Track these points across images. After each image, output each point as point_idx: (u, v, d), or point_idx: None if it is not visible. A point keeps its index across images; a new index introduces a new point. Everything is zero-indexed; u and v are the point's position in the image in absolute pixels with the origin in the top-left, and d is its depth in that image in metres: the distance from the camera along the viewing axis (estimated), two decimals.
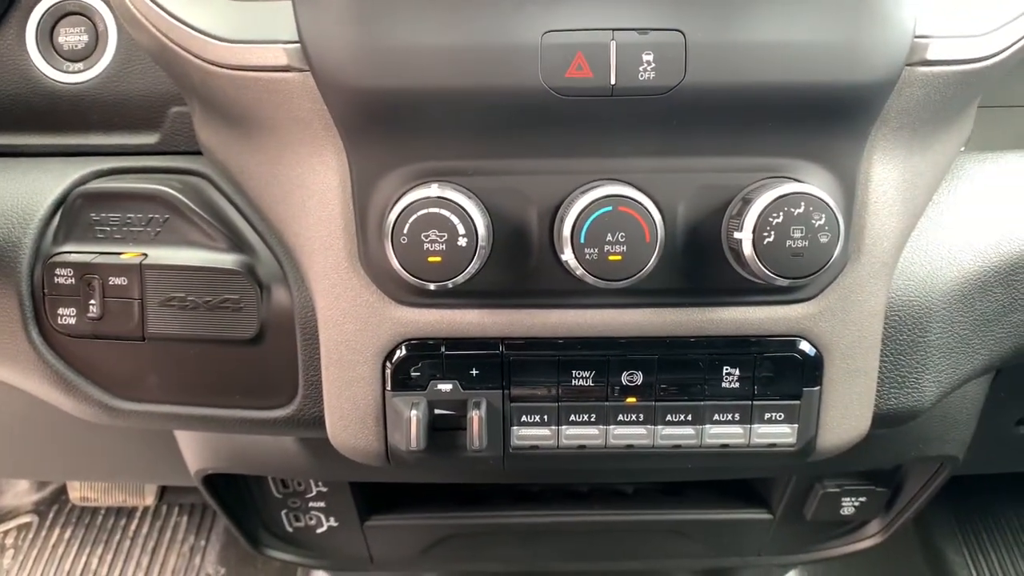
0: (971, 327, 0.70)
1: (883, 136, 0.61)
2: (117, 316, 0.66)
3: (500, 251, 0.60)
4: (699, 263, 0.61)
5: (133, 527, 1.56)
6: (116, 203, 0.67)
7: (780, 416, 0.65)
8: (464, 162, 0.59)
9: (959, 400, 0.88)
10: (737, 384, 0.64)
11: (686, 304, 0.63)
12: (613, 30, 0.55)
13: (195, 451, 0.96)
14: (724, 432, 0.65)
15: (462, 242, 0.56)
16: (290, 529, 1.10)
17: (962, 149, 0.70)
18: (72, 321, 0.67)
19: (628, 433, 0.65)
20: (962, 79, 0.59)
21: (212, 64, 0.58)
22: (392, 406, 0.64)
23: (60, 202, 0.68)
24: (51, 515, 1.58)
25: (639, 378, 0.64)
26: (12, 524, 1.57)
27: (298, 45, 0.57)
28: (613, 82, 0.55)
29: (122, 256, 0.66)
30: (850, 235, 0.62)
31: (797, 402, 0.65)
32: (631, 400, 0.65)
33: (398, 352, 0.63)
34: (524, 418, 0.65)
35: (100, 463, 1.23)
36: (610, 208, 0.56)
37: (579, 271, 0.58)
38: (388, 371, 0.64)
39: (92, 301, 0.66)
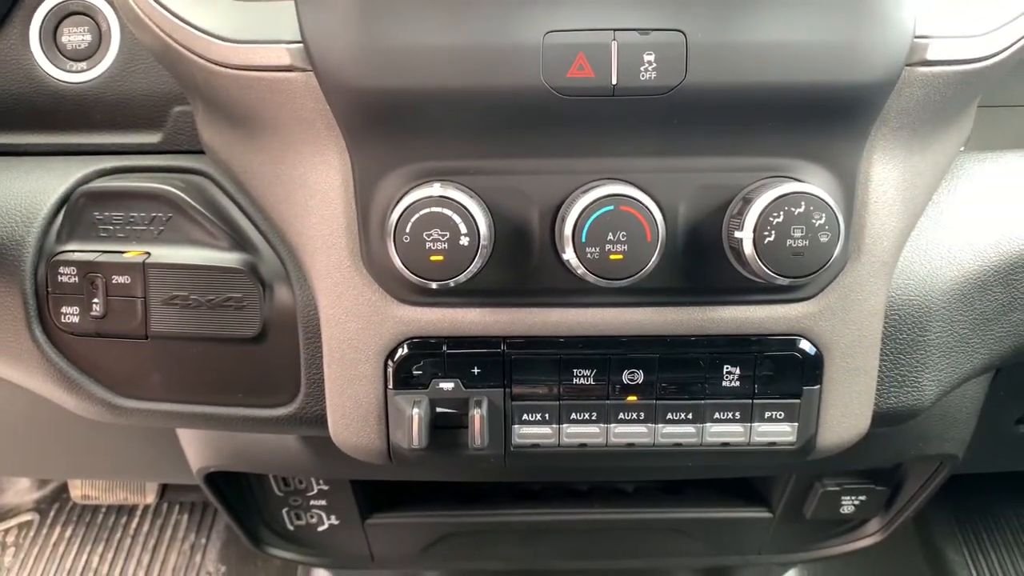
0: (971, 326, 0.70)
1: (883, 136, 0.61)
2: (120, 314, 0.66)
3: (502, 250, 0.60)
4: (700, 262, 0.61)
5: (134, 525, 1.56)
6: (119, 202, 0.67)
7: (780, 415, 0.65)
8: (466, 162, 0.59)
9: (959, 399, 0.88)
10: (737, 383, 0.65)
11: (687, 303, 0.63)
12: (614, 30, 0.55)
13: (197, 449, 0.96)
14: (724, 431, 0.66)
15: (464, 241, 0.56)
16: (291, 527, 1.10)
17: (962, 149, 0.71)
18: (75, 319, 0.67)
19: (629, 431, 0.66)
20: (962, 79, 0.60)
21: (215, 64, 0.59)
22: (394, 404, 0.64)
23: (63, 201, 0.68)
24: (52, 513, 1.58)
25: (640, 377, 0.64)
26: (13, 522, 1.58)
27: (301, 45, 0.57)
28: (614, 82, 0.55)
29: (125, 255, 0.66)
30: (850, 234, 0.62)
31: (797, 401, 0.65)
32: (632, 399, 0.65)
33: (400, 351, 0.64)
34: (525, 416, 0.65)
35: (101, 461, 1.23)
36: (611, 207, 0.56)
37: (580, 270, 0.58)
38: (390, 369, 0.64)
39: (95, 299, 0.66)
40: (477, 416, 0.63)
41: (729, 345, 0.64)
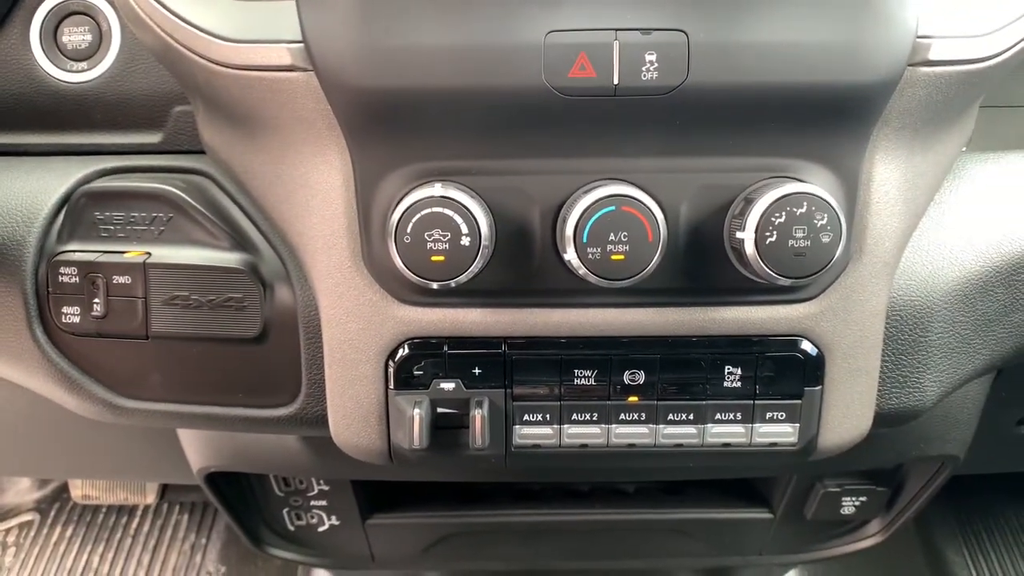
0: (972, 327, 0.70)
1: (885, 136, 0.61)
2: (121, 315, 0.66)
3: (503, 250, 0.60)
4: (701, 263, 0.61)
5: (134, 525, 1.56)
6: (120, 202, 0.67)
7: (782, 415, 0.65)
8: (467, 162, 0.59)
9: (960, 400, 0.88)
10: (739, 383, 0.64)
11: (688, 304, 0.63)
12: (616, 30, 0.55)
13: (198, 449, 0.96)
14: (726, 431, 0.66)
15: (465, 241, 0.56)
16: (292, 527, 1.10)
17: (964, 149, 0.70)
18: (76, 320, 0.67)
19: (630, 432, 0.66)
20: (964, 79, 0.59)
21: (216, 64, 0.59)
22: (395, 405, 0.64)
23: (64, 201, 0.68)
24: (52, 513, 1.58)
25: (641, 377, 0.64)
26: (14, 522, 1.58)
27: (302, 45, 0.57)
28: (616, 82, 0.55)
29: (126, 255, 0.66)
30: (852, 235, 0.62)
31: (798, 401, 0.65)
32: (633, 399, 0.65)
33: (401, 351, 0.63)
34: (526, 417, 0.65)
35: (102, 461, 1.23)
36: (613, 208, 0.56)
37: (581, 270, 0.58)
38: (391, 370, 0.64)
39: (96, 300, 0.66)
40: (478, 416, 0.63)
41: (730, 346, 0.64)
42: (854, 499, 1.03)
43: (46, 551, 1.52)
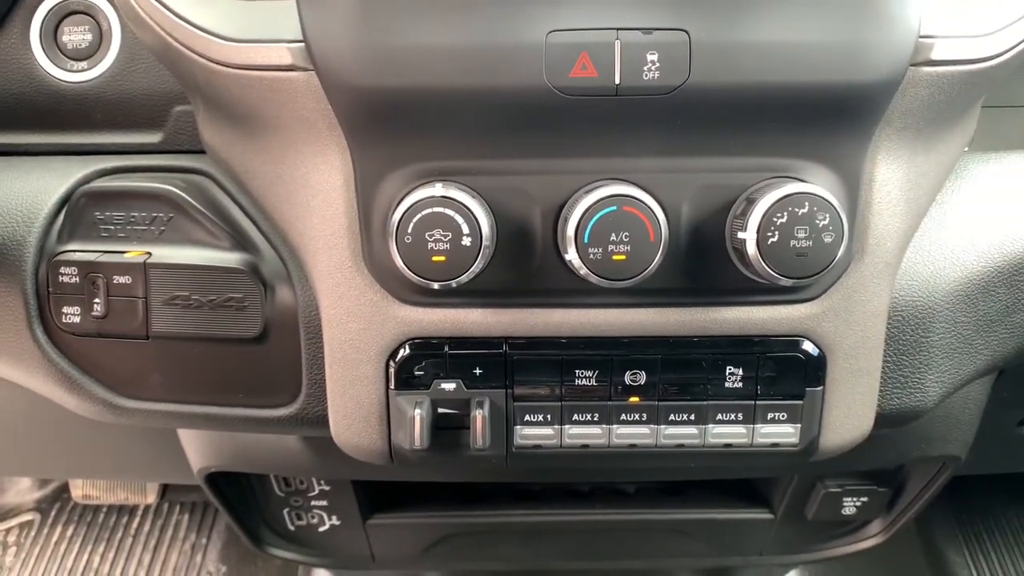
0: (974, 327, 0.70)
1: (887, 136, 0.61)
2: (121, 315, 0.66)
3: (504, 250, 0.60)
4: (703, 263, 0.61)
5: (135, 525, 1.56)
6: (120, 202, 0.67)
7: (783, 416, 0.65)
8: (468, 162, 0.59)
9: (962, 400, 0.88)
10: (740, 384, 0.64)
11: (689, 304, 0.63)
12: (617, 29, 0.55)
13: (198, 449, 0.96)
14: (727, 432, 0.65)
15: (466, 241, 0.56)
16: (292, 527, 1.10)
17: (966, 149, 0.70)
18: (76, 320, 0.67)
19: (631, 432, 0.65)
20: (967, 79, 0.59)
21: (216, 63, 0.58)
22: (395, 405, 0.64)
23: (64, 201, 0.68)
24: (53, 513, 1.59)
25: (642, 378, 0.64)
26: (14, 522, 1.58)
27: (302, 44, 0.57)
28: (617, 82, 0.55)
29: (126, 255, 0.66)
30: (854, 235, 0.62)
31: (800, 402, 0.65)
32: (634, 400, 0.65)
33: (402, 351, 0.63)
34: (527, 417, 0.65)
35: (102, 461, 1.23)
36: (614, 208, 0.56)
37: (583, 271, 0.58)
38: (392, 370, 0.64)
39: (96, 300, 0.66)
40: (479, 417, 0.63)
41: (732, 346, 0.64)
42: (855, 499, 1.03)
43: (47, 551, 1.52)
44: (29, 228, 0.67)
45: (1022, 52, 0.60)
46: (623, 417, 0.65)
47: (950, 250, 0.68)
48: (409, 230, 0.56)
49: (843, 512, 1.04)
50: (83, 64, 0.72)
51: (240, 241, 0.67)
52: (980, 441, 0.94)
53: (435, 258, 0.56)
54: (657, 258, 0.57)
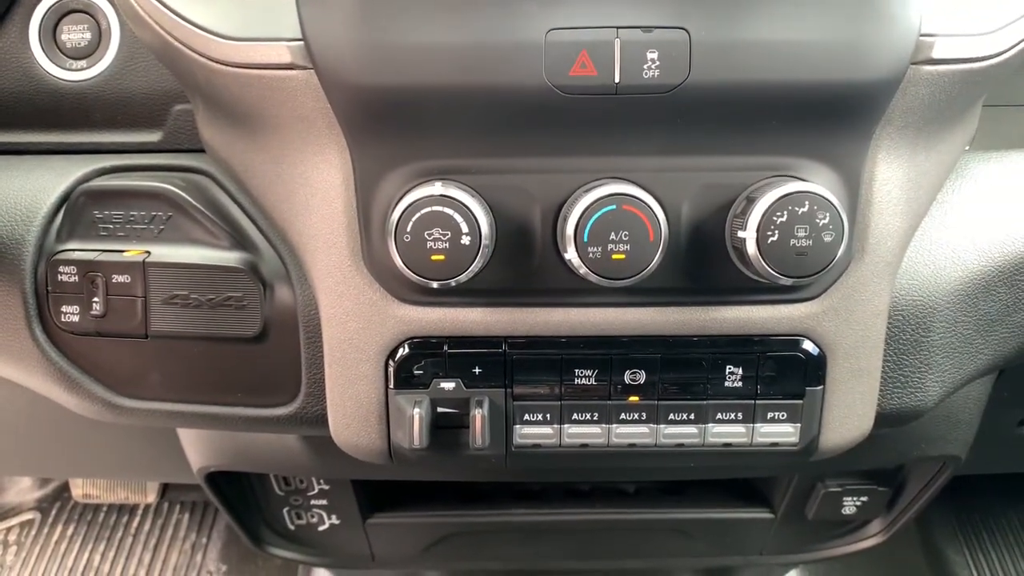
0: (974, 327, 0.70)
1: (888, 135, 0.61)
2: (120, 314, 0.66)
3: (503, 249, 0.59)
4: (702, 262, 0.61)
5: (135, 524, 1.56)
6: (119, 201, 0.67)
7: (783, 415, 0.65)
8: (467, 160, 0.59)
9: (962, 400, 0.88)
10: (740, 383, 0.64)
11: (689, 303, 0.63)
12: (617, 28, 0.55)
13: (198, 449, 0.96)
14: (727, 431, 0.65)
15: (465, 240, 0.56)
16: (292, 527, 1.10)
17: (966, 148, 0.70)
18: (75, 319, 0.67)
19: (630, 432, 0.65)
20: (967, 78, 0.59)
21: (215, 62, 0.58)
22: (395, 404, 0.64)
23: (63, 200, 0.68)
24: (53, 512, 1.59)
25: (642, 377, 0.64)
26: (15, 521, 1.58)
27: (301, 43, 0.57)
28: (617, 80, 0.55)
29: (125, 254, 0.66)
30: (854, 234, 0.62)
31: (800, 401, 0.65)
32: (634, 399, 0.65)
33: (401, 350, 0.63)
34: (526, 416, 0.65)
35: (102, 460, 1.23)
36: (614, 207, 0.56)
37: (582, 270, 0.58)
38: (391, 369, 0.64)
39: (95, 299, 0.66)
40: (478, 416, 0.63)
41: (731, 345, 0.64)
42: (855, 499, 1.03)
43: (47, 550, 1.52)
44: (28, 227, 0.67)
45: (1023, 51, 0.60)
46: (622, 416, 0.65)
47: (951, 249, 0.68)
48: (408, 229, 0.56)
49: (843, 512, 1.04)
50: (82, 63, 0.72)
51: (239, 240, 0.67)
52: (980, 441, 0.94)
53: (434, 257, 0.56)
54: (657, 257, 0.57)
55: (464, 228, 0.56)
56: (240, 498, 1.05)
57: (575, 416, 0.65)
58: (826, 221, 0.56)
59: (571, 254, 0.57)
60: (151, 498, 1.58)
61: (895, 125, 0.60)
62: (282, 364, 0.68)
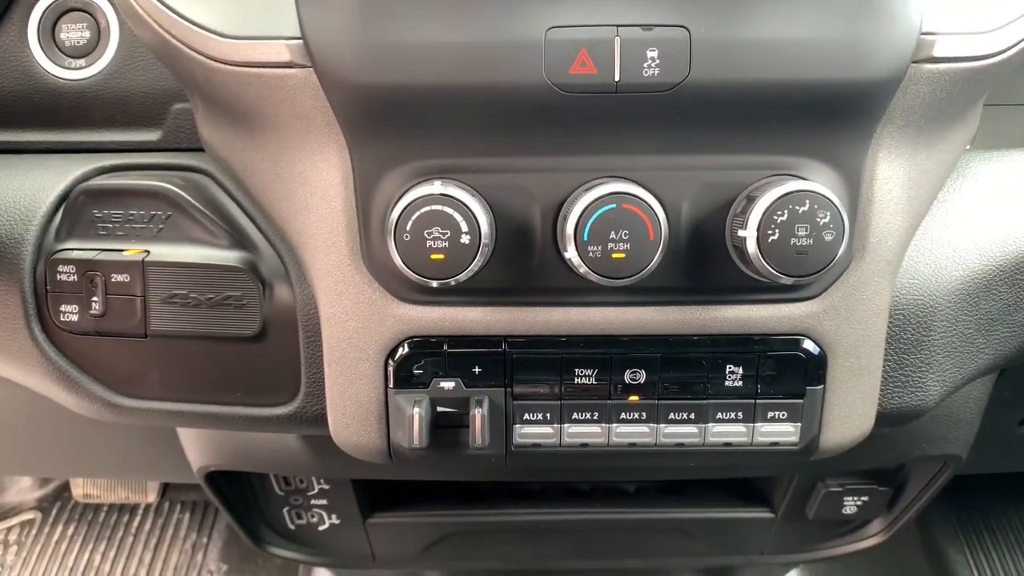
0: (975, 326, 0.70)
1: (888, 134, 0.60)
2: (119, 313, 0.66)
3: (503, 248, 0.59)
4: (703, 261, 0.61)
5: (135, 524, 1.56)
6: (118, 200, 0.67)
7: (783, 415, 0.65)
8: (467, 159, 0.59)
9: (963, 399, 0.87)
10: (740, 382, 0.64)
11: (689, 302, 0.63)
12: (617, 26, 0.54)
13: (197, 448, 0.96)
14: (727, 431, 0.65)
15: (465, 239, 0.56)
16: (292, 526, 1.10)
17: (967, 147, 0.70)
18: (75, 318, 0.67)
19: (630, 431, 0.65)
20: (969, 76, 0.59)
21: (214, 60, 0.58)
22: (394, 403, 0.64)
23: (62, 199, 0.68)
24: (54, 512, 1.59)
25: (642, 376, 0.64)
26: (15, 521, 1.58)
27: (300, 41, 0.57)
28: (617, 79, 0.55)
29: (124, 253, 0.66)
30: (855, 233, 0.62)
31: (800, 401, 0.65)
32: (634, 398, 0.65)
33: (400, 350, 0.63)
34: (526, 416, 0.65)
35: (103, 460, 1.23)
36: (614, 205, 0.56)
37: (582, 269, 0.57)
38: (390, 368, 0.63)
39: (95, 298, 0.66)
40: (478, 415, 0.63)
41: (732, 345, 0.64)
42: (856, 499, 1.03)
43: (48, 550, 1.52)
44: (27, 226, 0.67)
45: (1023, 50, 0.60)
46: (622, 416, 0.65)
47: (952, 249, 0.67)
48: (408, 228, 0.56)
49: (844, 511, 1.04)
50: (81, 62, 0.72)
51: (239, 239, 0.67)
52: (981, 440, 0.94)
53: (434, 256, 0.56)
54: (657, 256, 0.57)
55: (464, 227, 0.56)
56: (240, 498, 1.05)
57: (575, 415, 0.65)
58: (827, 220, 0.56)
59: (571, 253, 0.57)
60: (151, 498, 1.58)
61: (896, 124, 0.60)
62: (281, 363, 0.68)
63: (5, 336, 0.69)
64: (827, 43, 0.55)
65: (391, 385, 0.64)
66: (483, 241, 0.56)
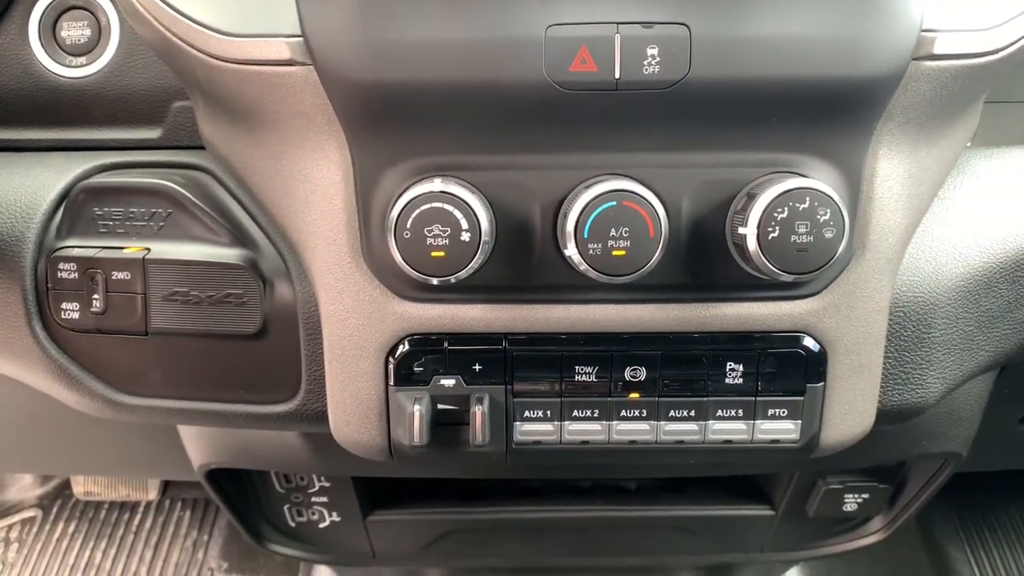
0: (976, 324, 0.69)
1: (889, 131, 0.60)
2: (120, 310, 0.66)
3: (503, 246, 0.59)
4: (703, 258, 0.61)
5: (136, 522, 1.57)
6: (119, 197, 0.67)
7: (783, 412, 0.65)
8: (467, 157, 0.59)
9: (963, 397, 0.87)
10: (740, 380, 0.64)
11: (689, 300, 0.63)
12: (617, 23, 0.54)
13: (198, 446, 0.96)
14: (727, 428, 0.65)
15: (465, 237, 0.56)
16: (293, 524, 1.10)
17: (968, 144, 0.70)
18: (75, 315, 0.67)
19: (631, 429, 0.65)
20: (969, 73, 0.59)
21: (215, 58, 0.58)
22: (395, 401, 0.64)
23: (63, 196, 0.68)
24: (55, 509, 1.59)
25: (642, 374, 0.64)
26: (16, 518, 1.58)
27: (301, 38, 0.57)
28: (617, 76, 0.55)
29: (125, 250, 0.66)
30: (855, 230, 0.62)
31: (801, 398, 0.65)
32: (634, 396, 0.65)
33: (401, 347, 0.63)
34: (527, 413, 0.65)
35: (103, 458, 1.24)
36: (614, 203, 0.56)
37: (582, 266, 0.57)
38: (391, 366, 0.64)
39: (95, 295, 0.66)
40: (478, 413, 0.63)
41: (732, 342, 0.64)
42: (856, 496, 1.03)
43: (48, 547, 1.53)
44: (28, 224, 0.67)
45: None
46: (623, 413, 0.65)
47: (952, 246, 0.67)
48: (408, 225, 0.56)
49: (844, 509, 1.04)
50: (82, 60, 0.72)
51: (239, 237, 0.67)
52: (981, 437, 0.94)
53: (434, 253, 0.56)
54: (657, 253, 0.57)
55: (464, 224, 0.56)
56: (241, 495, 1.06)
57: (575, 413, 0.65)
58: (827, 217, 0.56)
59: (571, 250, 0.57)
60: (152, 495, 1.58)
61: (896, 121, 0.60)
62: (282, 361, 0.68)
63: (6, 334, 0.69)
64: (827, 40, 0.55)
65: (392, 382, 0.64)
66: (483, 238, 0.56)
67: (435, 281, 0.57)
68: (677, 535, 1.12)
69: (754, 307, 0.63)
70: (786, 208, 0.56)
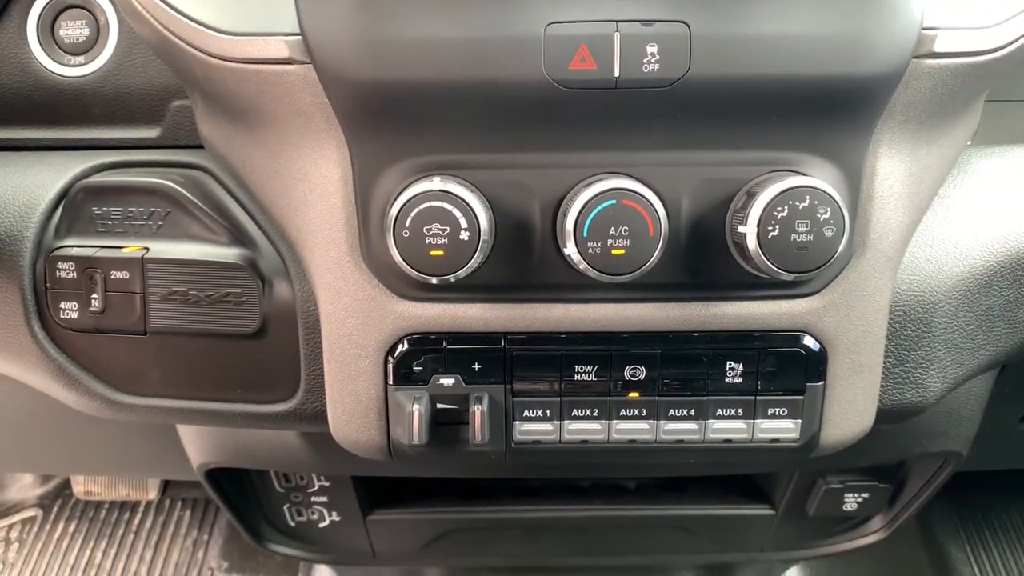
0: (976, 323, 0.69)
1: (889, 129, 0.60)
2: (119, 310, 0.66)
3: (502, 245, 0.59)
4: (703, 257, 0.60)
5: (136, 521, 1.57)
6: (118, 197, 0.67)
7: (783, 411, 0.65)
8: (466, 155, 0.59)
9: (963, 396, 0.87)
10: (740, 379, 0.64)
11: (689, 299, 0.63)
12: (617, 22, 0.54)
13: (197, 445, 0.96)
14: (727, 427, 0.65)
15: (464, 236, 0.56)
16: (292, 523, 1.10)
17: (968, 143, 0.70)
18: (74, 315, 0.67)
19: (630, 428, 0.65)
20: (969, 72, 0.59)
21: (213, 57, 0.58)
22: (394, 400, 0.64)
23: (62, 196, 0.68)
24: (55, 509, 1.59)
25: (642, 373, 0.64)
26: (16, 518, 1.58)
27: (299, 37, 0.57)
28: (617, 74, 0.55)
29: (124, 250, 0.66)
30: (855, 229, 0.62)
31: (800, 397, 0.65)
32: (634, 395, 0.64)
33: (400, 346, 0.63)
34: (526, 413, 0.65)
35: (103, 457, 1.24)
36: (614, 202, 0.56)
37: (582, 265, 0.57)
38: (390, 365, 0.63)
39: (94, 295, 0.66)
40: (478, 412, 0.63)
41: (732, 341, 0.63)
42: (856, 495, 1.03)
43: (48, 547, 1.53)
44: (26, 223, 0.67)
45: None
46: (622, 413, 0.65)
47: (953, 245, 0.67)
48: (407, 224, 0.56)
49: (844, 508, 1.04)
50: (80, 59, 0.72)
51: (238, 236, 0.67)
52: (982, 437, 0.94)
53: (433, 252, 0.56)
54: (657, 252, 0.57)
55: (463, 223, 0.56)
56: (240, 495, 1.06)
57: (575, 412, 0.65)
58: (827, 216, 0.56)
59: (571, 249, 0.57)
60: (152, 495, 1.58)
61: (897, 119, 0.60)
62: (281, 360, 0.68)
63: (5, 333, 0.69)
64: (827, 38, 0.55)
65: (391, 382, 0.64)
66: (482, 237, 0.56)
67: (434, 280, 0.57)
68: (677, 534, 1.12)
69: (754, 306, 0.63)
70: (786, 207, 0.55)
